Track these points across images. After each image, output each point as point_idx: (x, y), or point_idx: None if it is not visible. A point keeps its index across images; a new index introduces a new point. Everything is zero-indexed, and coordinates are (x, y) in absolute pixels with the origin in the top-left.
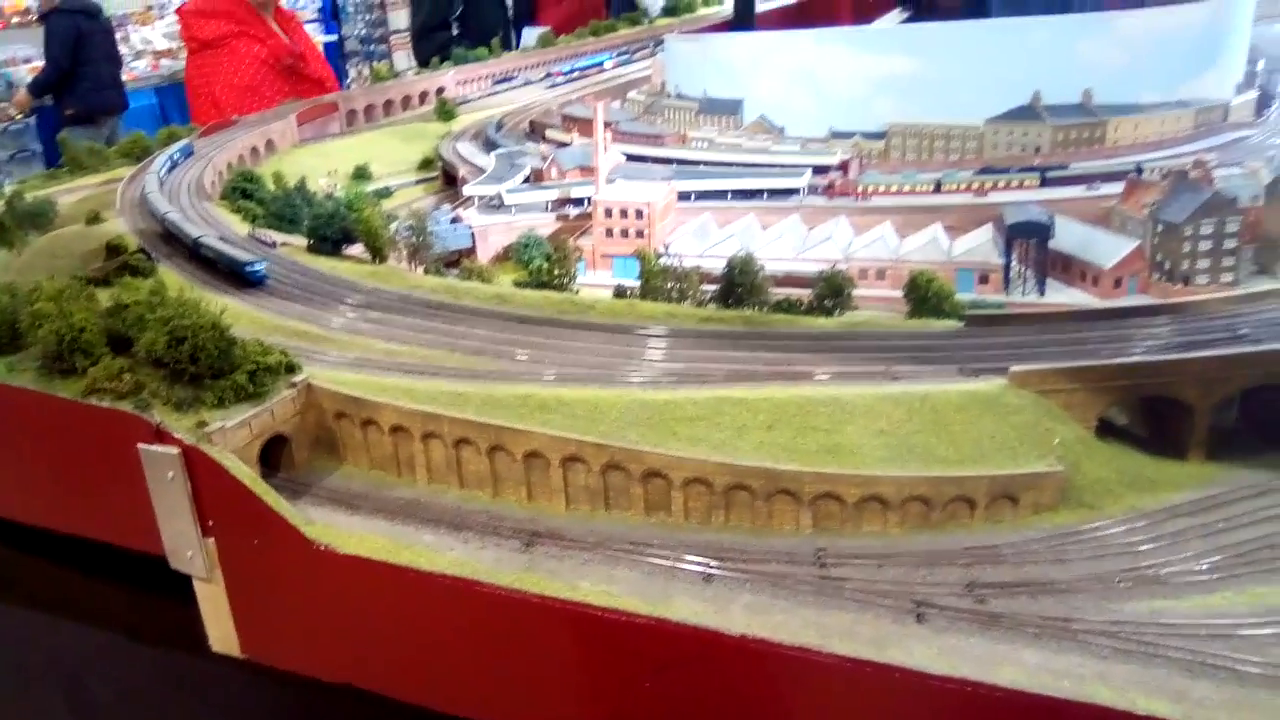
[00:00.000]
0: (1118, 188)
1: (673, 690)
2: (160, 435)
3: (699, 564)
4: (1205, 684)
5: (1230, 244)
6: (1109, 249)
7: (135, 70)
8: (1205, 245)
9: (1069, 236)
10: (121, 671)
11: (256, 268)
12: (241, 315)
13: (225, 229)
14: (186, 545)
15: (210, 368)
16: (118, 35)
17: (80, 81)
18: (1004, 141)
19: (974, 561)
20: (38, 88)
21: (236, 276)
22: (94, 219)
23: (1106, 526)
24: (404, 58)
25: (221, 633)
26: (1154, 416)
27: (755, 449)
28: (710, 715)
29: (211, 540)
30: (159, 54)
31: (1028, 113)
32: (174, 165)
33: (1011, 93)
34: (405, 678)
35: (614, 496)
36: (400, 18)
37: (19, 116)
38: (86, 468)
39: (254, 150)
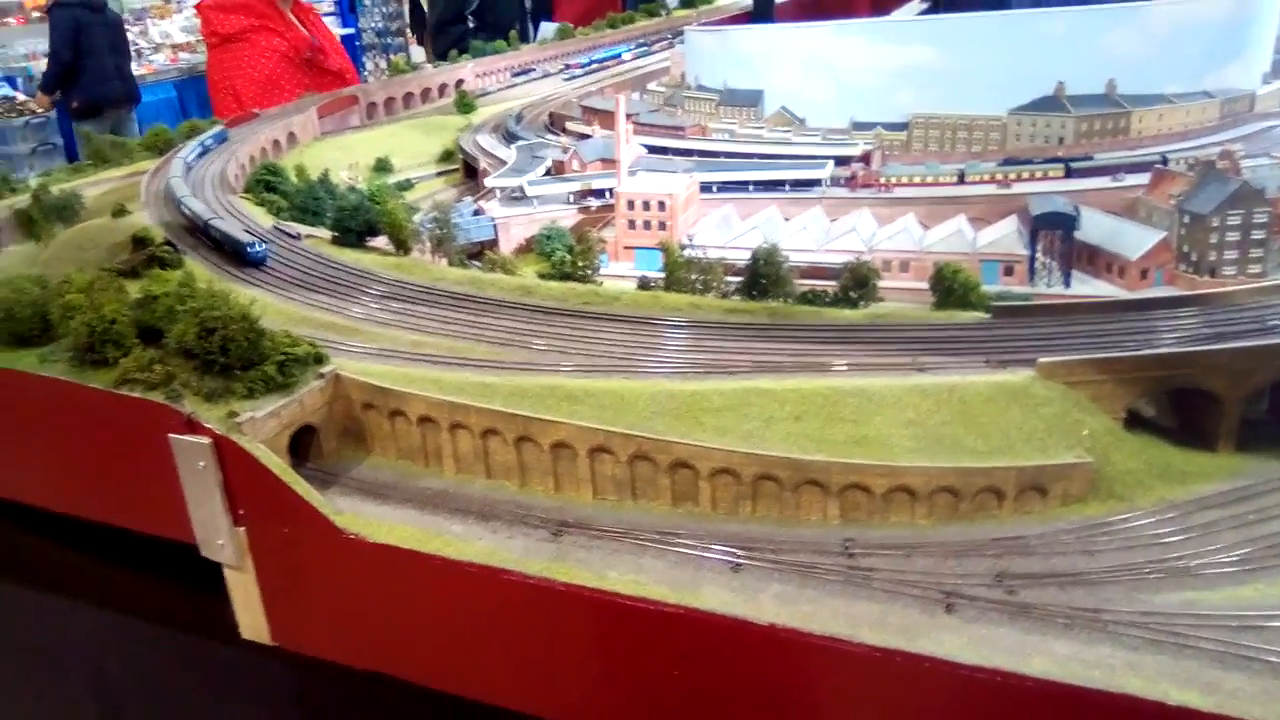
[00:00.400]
0: (1143, 179)
1: (701, 679)
2: (191, 425)
3: (727, 554)
4: (1238, 675)
5: (1259, 235)
6: (1135, 240)
7: (154, 64)
8: (1233, 236)
9: (1094, 228)
10: (150, 658)
11: (257, 249)
12: (269, 307)
13: (250, 221)
14: (217, 534)
15: (240, 359)
16: (136, 29)
17: (82, 74)
18: (1027, 132)
19: (1003, 552)
20: (46, 83)
21: (244, 258)
22: (119, 211)
23: (1136, 518)
24: (420, 50)
25: (252, 620)
26: (1182, 408)
27: (782, 440)
28: (739, 704)
29: (242, 529)
30: (177, 47)
31: (1051, 103)
32: (205, 150)
33: (1034, 84)
34: (434, 665)
35: (641, 486)
36: None
37: (40, 112)
38: (118, 457)
39: (276, 143)
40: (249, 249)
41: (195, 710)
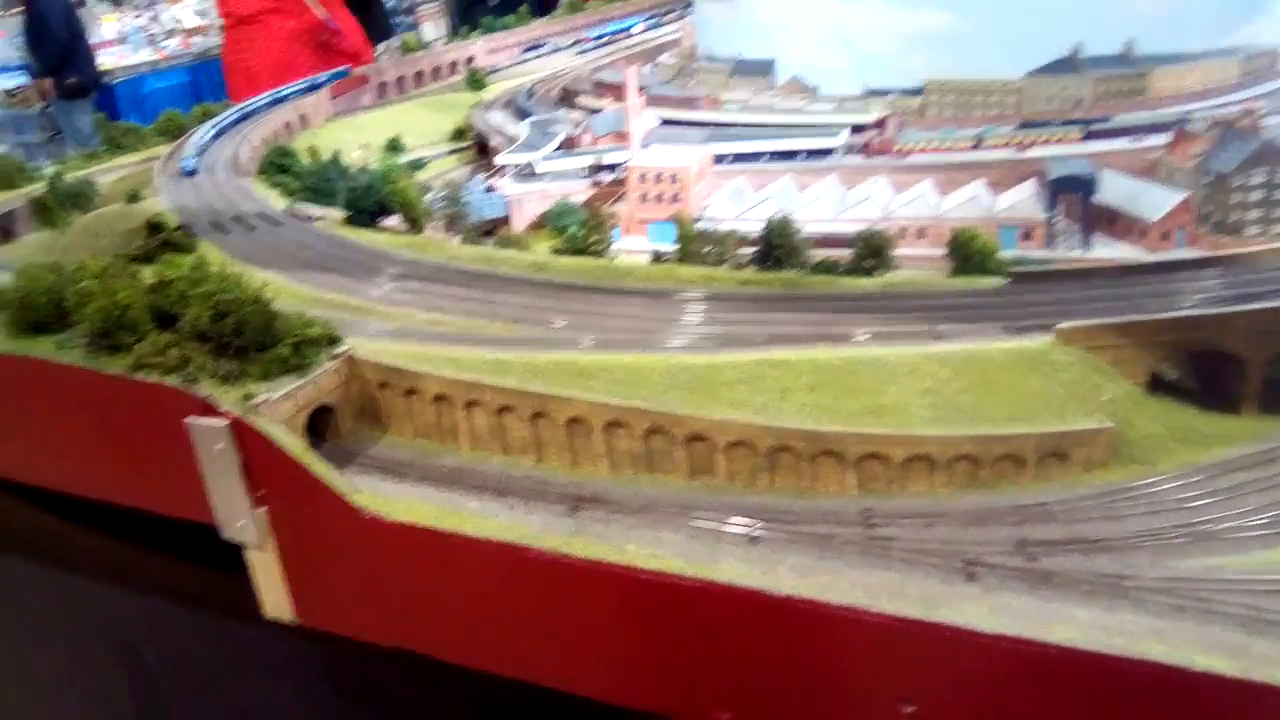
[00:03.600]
0: (1164, 139)
1: (721, 651)
2: (208, 408)
3: (744, 526)
4: (1265, 640)
5: None
6: (1156, 201)
7: (166, 49)
8: (1256, 195)
9: (1114, 190)
10: (177, 639)
11: (189, 165)
12: (283, 289)
13: (262, 204)
14: (238, 515)
15: (254, 341)
16: (149, 15)
17: (76, 55)
18: (1044, 95)
19: (1024, 520)
20: (47, 66)
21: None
22: (133, 197)
23: (1160, 482)
24: (431, 28)
25: (275, 599)
26: (1206, 371)
27: (798, 411)
28: (759, 676)
29: (262, 510)
30: (189, 32)
31: (1068, 65)
32: (282, 98)
33: (1051, 45)
34: (456, 641)
35: (658, 460)
36: None
37: (49, 96)
38: (137, 441)
39: (287, 125)
40: (181, 162)
41: (225, 687)
